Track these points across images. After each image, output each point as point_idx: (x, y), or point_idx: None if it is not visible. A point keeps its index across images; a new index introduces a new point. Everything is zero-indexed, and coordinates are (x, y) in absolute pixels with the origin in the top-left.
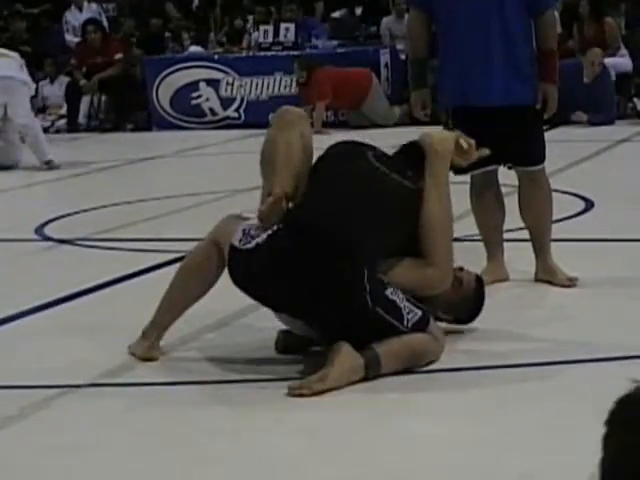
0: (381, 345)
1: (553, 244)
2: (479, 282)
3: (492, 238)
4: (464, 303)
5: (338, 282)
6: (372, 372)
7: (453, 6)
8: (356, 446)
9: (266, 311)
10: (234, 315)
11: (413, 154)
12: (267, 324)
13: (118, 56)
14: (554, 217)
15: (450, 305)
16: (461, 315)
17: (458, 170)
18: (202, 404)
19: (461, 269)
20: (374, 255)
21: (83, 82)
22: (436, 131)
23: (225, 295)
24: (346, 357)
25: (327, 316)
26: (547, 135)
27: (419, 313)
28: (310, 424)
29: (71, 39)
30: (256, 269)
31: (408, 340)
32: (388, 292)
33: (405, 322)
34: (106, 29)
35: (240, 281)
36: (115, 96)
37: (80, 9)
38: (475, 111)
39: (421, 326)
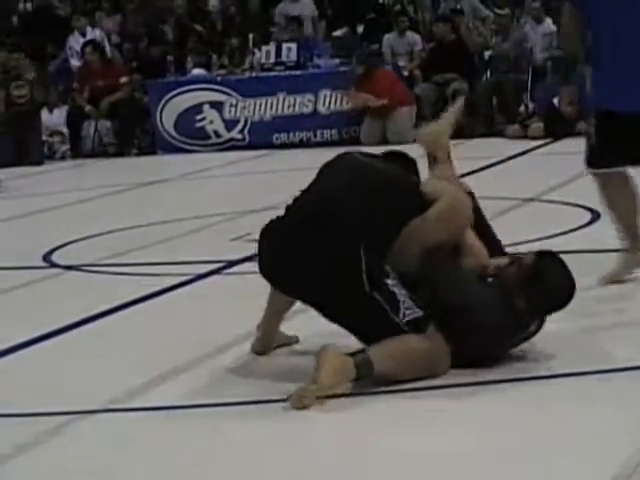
0: (373, 346)
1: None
2: (542, 259)
3: (632, 231)
4: (531, 284)
5: (334, 262)
6: (364, 371)
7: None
8: (357, 460)
9: None
10: (244, 337)
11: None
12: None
13: (124, 79)
14: (561, 229)
15: (516, 287)
16: (539, 301)
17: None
18: (216, 425)
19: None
20: (378, 238)
21: (89, 108)
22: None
23: (231, 320)
24: (333, 358)
25: (329, 297)
26: (550, 147)
27: (419, 312)
28: (311, 439)
29: (75, 64)
30: (272, 253)
31: (404, 339)
32: (389, 282)
33: (401, 315)
34: (106, 52)
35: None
36: (122, 121)
37: (83, 34)
38: (628, 116)
39: (418, 326)
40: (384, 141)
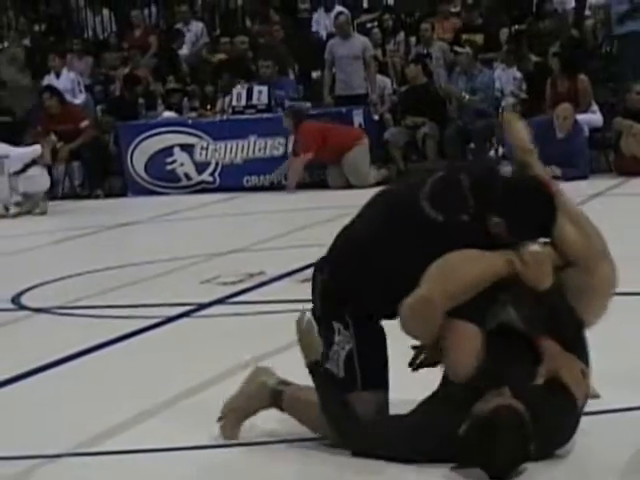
0: (294, 386)
1: None
2: (503, 415)
3: None
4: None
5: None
6: (276, 402)
7: None
8: None
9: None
10: (212, 380)
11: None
12: None
13: (84, 124)
14: None
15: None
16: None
17: None
18: (184, 470)
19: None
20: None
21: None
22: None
23: (200, 363)
24: (252, 381)
25: None
26: None
27: (340, 373)
28: None
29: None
30: None
31: (312, 390)
32: (336, 328)
33: (324, 362)
34: (64, 96)
35: None
36: (86, 164)
37: (58, 75)
38: None
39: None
40: (349, 184)
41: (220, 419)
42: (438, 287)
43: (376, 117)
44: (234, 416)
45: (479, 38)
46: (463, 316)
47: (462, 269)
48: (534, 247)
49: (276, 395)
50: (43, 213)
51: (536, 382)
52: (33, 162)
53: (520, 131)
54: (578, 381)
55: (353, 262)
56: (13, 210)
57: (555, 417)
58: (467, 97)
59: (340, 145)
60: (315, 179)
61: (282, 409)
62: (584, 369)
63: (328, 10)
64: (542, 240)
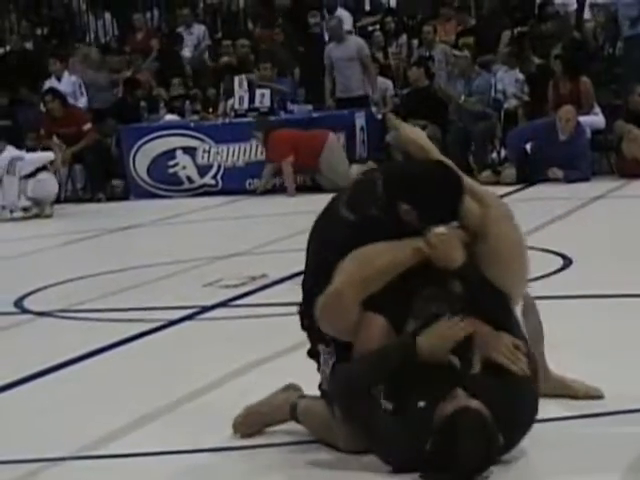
0: (308, 397)
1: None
2: (463, 415)
3: None
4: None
5: None
6: (293, 414)
7: None
8: None
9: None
10: (216, 384)
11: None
12: (258, 390)
13: (87, 127)
14: (534, 275)
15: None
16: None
17: None
18: (185, 475)
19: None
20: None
21: (61, 150)
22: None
23: (203, 366)
24: (277, 394)
25: None
26: (522, 193)
27: (326, 387)
28: None
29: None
30: None
31: (318, 401)
32: (321, 347)
33: (319, 379)
34: (66, 99)
35: None
36: (88, 167)
37: (59, 79)
38: None
39: (324, 396)
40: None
41: (238, 417)
42: (348, 279)
43: (379, 116)
44: (253, 419)
45: (477, 41)
46: (379, 309)
47: (371, 259)
48: (439, 229)
49: (293, 408)
50: (48, 216)
51: (474, 370)
52: (43, 167)
53: (413, 131)
54: (512, 357)
55: (317, 271)
56: (17, 214)
57: (511, 405)
58: (463, 99)
59: (311, 149)
60: (316, 182)
61: (298, 421)
62: (517, 343)
63: (330, 13)
64: (452, 224)
